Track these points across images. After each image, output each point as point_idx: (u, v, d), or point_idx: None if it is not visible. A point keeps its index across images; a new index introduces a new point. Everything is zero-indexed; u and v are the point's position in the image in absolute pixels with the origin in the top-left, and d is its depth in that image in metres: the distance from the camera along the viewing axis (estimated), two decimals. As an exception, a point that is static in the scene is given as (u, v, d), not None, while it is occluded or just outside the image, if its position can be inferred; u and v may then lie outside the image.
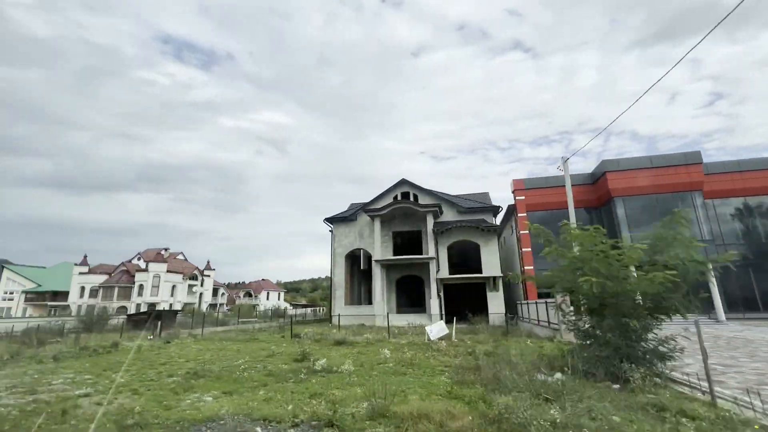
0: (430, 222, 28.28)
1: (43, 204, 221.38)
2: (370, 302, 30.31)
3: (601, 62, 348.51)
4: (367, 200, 32.70)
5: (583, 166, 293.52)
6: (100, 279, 54.42)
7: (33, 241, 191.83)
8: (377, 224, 29.16)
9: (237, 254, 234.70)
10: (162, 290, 52.97)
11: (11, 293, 62.88)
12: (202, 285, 62.32)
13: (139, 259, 58.98)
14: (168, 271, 54.36)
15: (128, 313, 41.45)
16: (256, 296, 72.47)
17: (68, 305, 60.85)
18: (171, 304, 53.89)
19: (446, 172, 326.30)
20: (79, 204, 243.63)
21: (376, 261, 28.32)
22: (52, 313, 64.12)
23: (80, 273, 54.46)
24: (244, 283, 78.23)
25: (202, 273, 62.37)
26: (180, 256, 62.60)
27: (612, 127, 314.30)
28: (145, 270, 53.08)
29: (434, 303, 26.19)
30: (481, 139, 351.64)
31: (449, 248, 28.20)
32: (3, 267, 63.30)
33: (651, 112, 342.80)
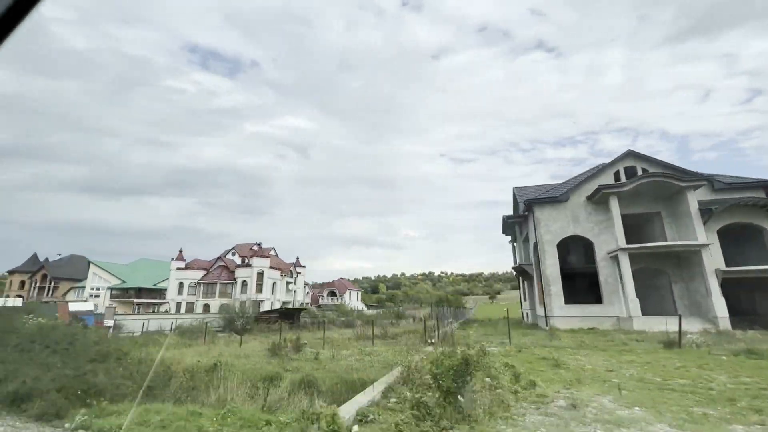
0: (692, 200, 22.62)
1: (76, 208, 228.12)
2: (595, 301, 24.80)
3: (629, 60, 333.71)
4: (570, 179, 27.39)
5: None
6: (197, 275, 50.66)
7: (66, 244, 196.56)
8: (615, 204, 23.74)
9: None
10: (265, 287, 48.81)
11: (98, 289, 60.15)
12: (295, 282, 58.12)
13: (233, 254, 55.23)
14: (270, 267, 50.26)
15: (260, 311, 37.25)
16: (340, 295, 67.93)
17: (157, 302, 57.66)
18: (272, 302, 49.77)
19: (467, 174, 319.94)
20: (109, 208, 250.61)
21: (623, 249, 22.85)
22: (137, 311, 61.22)
23: (177, 268, 50.88)
24: (326, 282, 74.09)
25: (295, 269, 58.21)
26: (272, 252, 58.60)
27: (640, 126, 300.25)
28: (248, 266, 49.06)
29: (718, 303, 20.46)
30: (503, 140, 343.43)
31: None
32: (90, 262, 60.68)
33: (682, 109, 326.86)
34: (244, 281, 48.17)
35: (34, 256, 69.54)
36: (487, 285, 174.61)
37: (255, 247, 55.20)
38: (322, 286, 70.06)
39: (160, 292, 59.91)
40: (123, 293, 60.89)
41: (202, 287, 49.21)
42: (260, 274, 48.76)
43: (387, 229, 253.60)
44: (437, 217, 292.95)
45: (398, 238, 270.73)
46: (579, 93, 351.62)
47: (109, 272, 61.30)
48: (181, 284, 50.71)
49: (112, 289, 60.44)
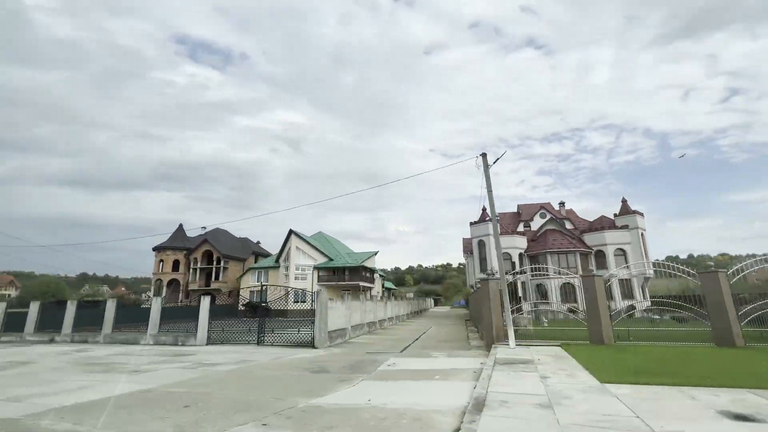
0: None
1: (61, 202, 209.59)
2: None
3: (616, 59, 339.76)
4: None
5: (592, 163, 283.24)
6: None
7: (51, 237, 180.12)
8: None
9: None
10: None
11: (303, 269, 47.03)
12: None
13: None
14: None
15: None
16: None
17: (367, 286, 45.30)
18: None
19: (457, 169, 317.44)
20: (96, 202, 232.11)
21: None
22: (345, 297, 48.64)
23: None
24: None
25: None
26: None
27: (624, 123, 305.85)
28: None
29: None
30: (494, 136, 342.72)
31: None
32: (291, 232, 47.27)
33: (664, 108, 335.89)
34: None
35: (181, 230, 54.88)
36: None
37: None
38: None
39: (362, 273, 47.59)
40: (328, 274, 48.15)
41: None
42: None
43: (378, 224, 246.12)
44: (426, 212, 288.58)
45: (389, 233, 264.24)
46: (568, 91, 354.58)
47: (315, 248, 48.16)
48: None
49: (318, 268, 47.54)
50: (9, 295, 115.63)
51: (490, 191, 13.72)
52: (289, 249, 46.77)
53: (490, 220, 36.60)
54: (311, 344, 15.17)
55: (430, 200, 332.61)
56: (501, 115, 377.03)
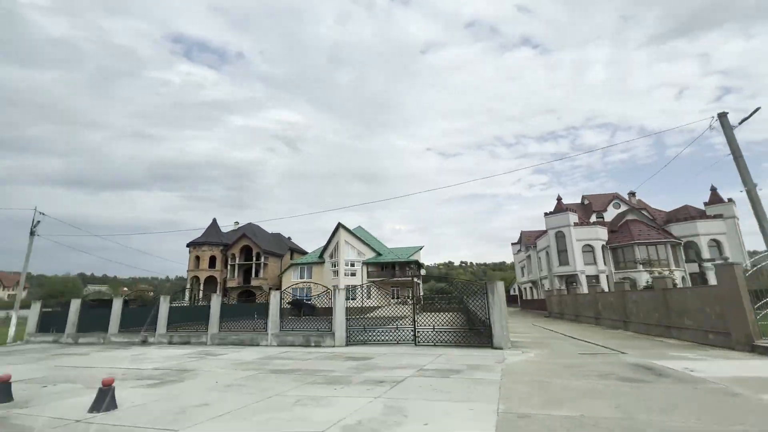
0: None
1: (54, 202, 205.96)
2: None
3: (612, 58, 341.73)
4: None
5: (587, 161, 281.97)
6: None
7: (46, 237, 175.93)
8: None
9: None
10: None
11: (353, 264, 44.42)
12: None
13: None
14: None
15: None
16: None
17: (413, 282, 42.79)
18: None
19: (453, 168, 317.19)
20: (90, 202, 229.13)
21: None
22: (396, 294, 46.24)
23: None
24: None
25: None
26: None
27: (620, 122, 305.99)
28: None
29: None
30: (490, 135, 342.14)
31: None
32: (340, 225, 44.61)
33: (659, 106, 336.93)
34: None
35: (215, 225, 52.07)
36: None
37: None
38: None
39: (411, 269, 44.95)
40: (377, 270, 45.60)
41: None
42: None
43: (375, 223, 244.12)
44: (423, 211, 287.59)
45: (385, 232, 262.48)
46: (564, 89, 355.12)
47: (364, 242, 45.56)
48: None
49: (367, 264, 44.96)
50: (15, 295, 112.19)
51: (739, 157, 11.13)
52: (338, 243, 44.13)
53: (569, 210, 34.14)
54: (489, 344, 12.55)
55: (426, 200, 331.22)
56: (498, 114, 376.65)
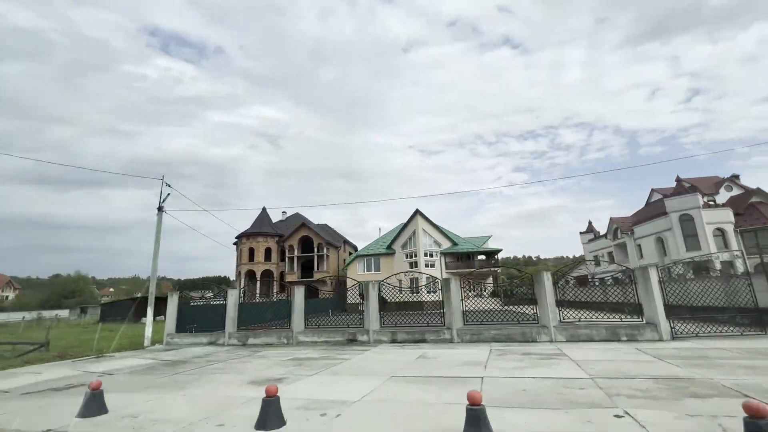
0: None
1: (20, 201, 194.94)
2: None
3: (588, 59, 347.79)
4: None
5: (566, 159, 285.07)
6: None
7: (14, 239, 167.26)
8: None
9: (222, 250, 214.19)
10: None
11: (431, 255, 40.81)
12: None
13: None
14: None
15: None
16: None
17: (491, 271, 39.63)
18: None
19: (435, 166, 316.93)
20: (59, 200, 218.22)
21: None
22: (473, 287, 42.76)
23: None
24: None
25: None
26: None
27: (596, 121, 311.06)
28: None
29: None
30: (472, 133, 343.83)
31: None
32: (417, 212, 40.87)
33: (633, 107, 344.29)
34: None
35: (265, 214, 47.62)
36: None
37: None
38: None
39: (487, 259, 41.71)
40: (454, 261, 42.13)
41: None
42: None
43: (357, 221, 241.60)
44: (405, 209, 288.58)
45: (368, 230, 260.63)
46: (542, 89, 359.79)
47: (442, 231, 41.97)
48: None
49: (445, 254, 41.45)
50: (7, 297, 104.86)
51: None
52: (414, 232, 40.41)
53: (695, 191, 31.21)
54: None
55: (409, 197, 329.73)
56: (478, 111, 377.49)
